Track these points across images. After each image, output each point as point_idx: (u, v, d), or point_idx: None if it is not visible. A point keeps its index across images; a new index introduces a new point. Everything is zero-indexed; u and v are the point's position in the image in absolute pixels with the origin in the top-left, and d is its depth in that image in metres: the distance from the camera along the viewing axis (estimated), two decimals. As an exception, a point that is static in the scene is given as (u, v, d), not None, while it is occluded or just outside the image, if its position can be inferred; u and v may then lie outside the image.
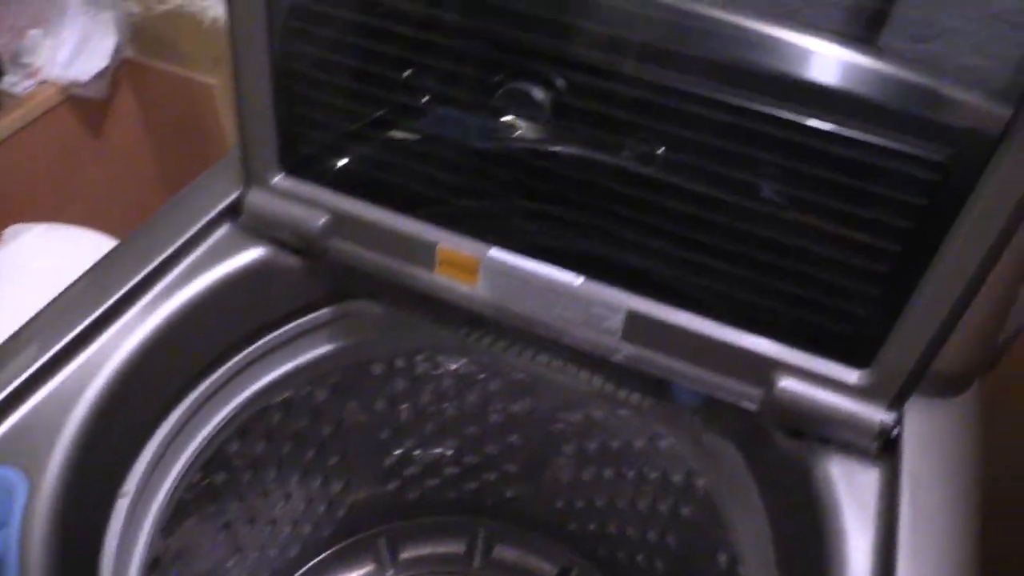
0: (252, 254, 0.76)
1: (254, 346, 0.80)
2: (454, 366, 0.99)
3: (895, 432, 0.60)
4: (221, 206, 0.77)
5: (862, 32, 0.78)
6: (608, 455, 0.99)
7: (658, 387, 0.73)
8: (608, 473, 1.00)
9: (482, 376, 0.99)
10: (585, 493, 1.05)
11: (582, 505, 1.07)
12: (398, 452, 1.09)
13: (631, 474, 0.97)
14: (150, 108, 1.48)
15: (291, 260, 0.77)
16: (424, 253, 0.71)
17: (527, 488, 1.11)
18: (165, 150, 1.55)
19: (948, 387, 0.62)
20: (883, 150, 0.54)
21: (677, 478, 0.91)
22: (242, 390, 0.82)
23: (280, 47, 0.70)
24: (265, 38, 0.68)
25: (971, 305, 0.54)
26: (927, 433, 0.60)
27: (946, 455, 0.60)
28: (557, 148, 0.65)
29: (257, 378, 0.83)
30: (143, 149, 1.54)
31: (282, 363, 0.84)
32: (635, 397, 0.73)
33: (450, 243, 0.70)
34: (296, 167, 0.75)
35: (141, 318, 0.71)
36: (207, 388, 0.78)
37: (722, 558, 0.84)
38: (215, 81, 1.37)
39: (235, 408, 0.82)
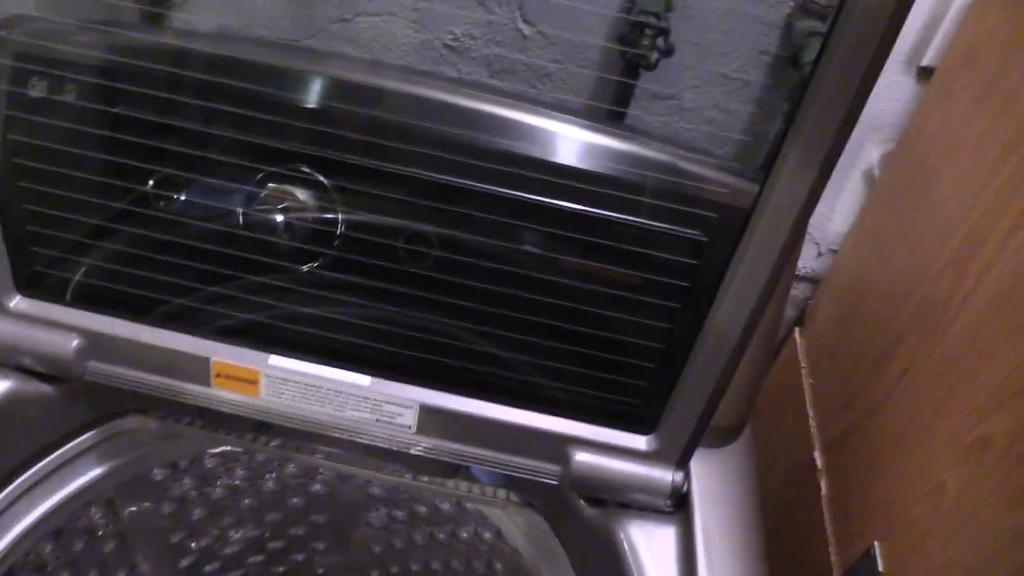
0: (-7, 389, 0.67)
1: (10, 488, 0.71)
2: (246, 456, 0.93)
3: (684, 488, 0.63)
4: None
5: (612, 102, 0.81)
6: (417, 520, 0.98)
7: (458, 467, 0.73)
8: (419, 538, 0.99)
9: (276, 463, 0.94)
10: (399, 559, 1.03)
11: (397, 571, 1.05)
12: (194, 552, 1.02)
13: (442, 535, 0.97)
14: None
15: (43, 388, 0.69)
16: (197, 368, 0.66)
17: (339, 562, 1.08)
18: None
19: (725, 437, 0.66)
20: (647, 232, 0.57)
21: (488, 535, 0.91)
22: (3, 535, 0.73)
23: (1, 163, 0.62)
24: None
25: (739, 367, 0.58)
26: (712, 483, 0.64)
27: (731, 500, 0.65)
28: (329, 248, 0.63)
29: (18, 519, 0.74)
30: None
31: (46, 497, 0.75)
32: (436, 481, 0.72)
33: (225, 355, 0.65)
34: (36, 287, 0.67)
35: None
36: (-41, 544, 0.68)
37: (541, 609, 0.86)
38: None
39: (-4, 557, 0.73)
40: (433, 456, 0.66)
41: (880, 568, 0.61)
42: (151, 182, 0.64)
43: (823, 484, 0.73)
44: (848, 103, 0.48)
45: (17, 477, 0.72)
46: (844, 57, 0.46)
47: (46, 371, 0.68)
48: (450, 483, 0.72)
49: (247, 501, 0.98)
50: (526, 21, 0.89)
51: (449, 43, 0.94)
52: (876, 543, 0.63)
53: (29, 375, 0.68)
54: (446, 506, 0.93)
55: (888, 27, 0.45)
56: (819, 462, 0.75)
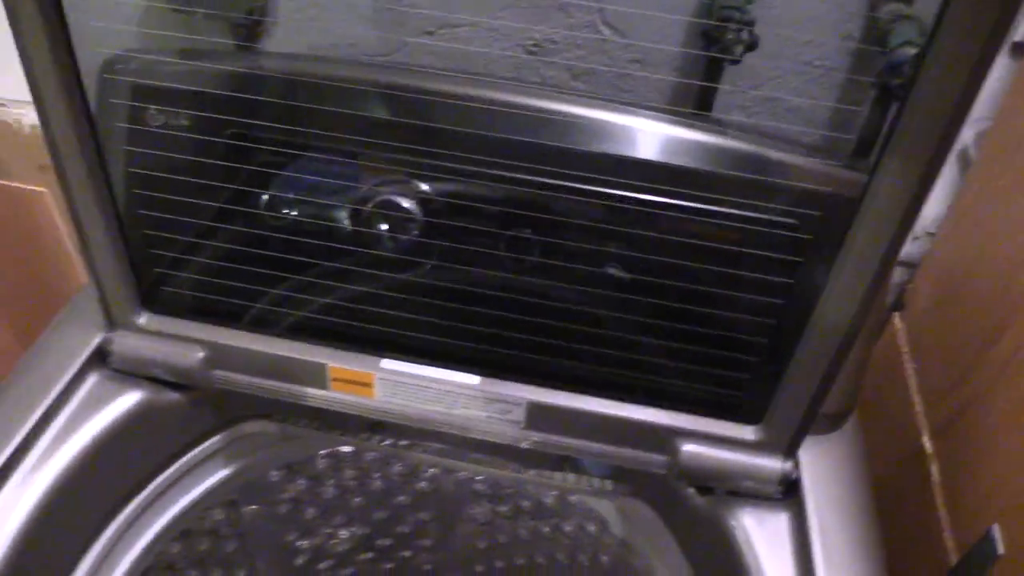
0: (129, 400, 0.72)
1: (146, 492, 0.76)
2: (354, 456, 0.97)
3: (795, 475, 0.64)
4: (86, 353, 0.73)
5: (697, 97, 0.82)
6: (521, 514, 1.00)
7: (564, 458, 0.75)
8: (523, 532, 1.01)
9: (385, 460, 0.98)
10: (503, 554, 1.06)
11: (502, 566, 1.07)
12: (307, 550, 1.06)
13: (546, 529, 0.99)
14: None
15: (172, 396, 0.74)
16: (315, 374, 0.70)
17: (444, 558, 1.11)
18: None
19: (833, 423, 0.66)
20: (753, 226, 0.58)
21: (592, 528, 0.93)
22: (140, 537, 0.79)
23: (124, 192, 0.67)
24: (105, 192, 0.65)
25: (848, 356, 0.58)
26: (822, 469, 0.65)
27: (842, 485, 0.65)
28: (433, 254, 0.66)
29: (154, 521, 0.79)
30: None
31: (178, 500, 0.80)
32: (544, 474, 0.74)
33: (340, 361, 0.69)
34: (160, 304, 0.72)
35: (19, 492, 0.66)
36: (104, 546, 0.73)
37: (648, 599, 0.87)
38: (45, 188, 1.29)
39: (136, 558, 0.78)
40: (542, 449, 0.68)
41: (1000, 551, 0.61)
42: (264, 197, 0.67)
43: (934, 469, 0.73)
44: (962, 88, 0.45)
45: (152, 481, 0.77)
46: (957, 39, 0.44)
47: (175, 380, 0.73)
48: (557, 475, 0.74)
49: (356, 500, 1.02)
50: (606, 23, 0.91)
51: (531, 49, 0.96)
52: (995, 525, 0.62)
53: (161, 384, 0.73)
54: (549, 499, 0.95)
55: (1005, 3, 0.42)
56: (928, 447, 0.74)
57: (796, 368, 0.59)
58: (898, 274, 0.95)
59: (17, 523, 0.65)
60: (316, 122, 0.65)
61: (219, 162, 0.68)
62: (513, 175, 0.61)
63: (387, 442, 0.77)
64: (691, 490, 0.67)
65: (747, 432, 0.63)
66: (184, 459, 0.78)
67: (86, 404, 0.71)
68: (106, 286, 0.70)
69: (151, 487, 0.77)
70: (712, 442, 0.64)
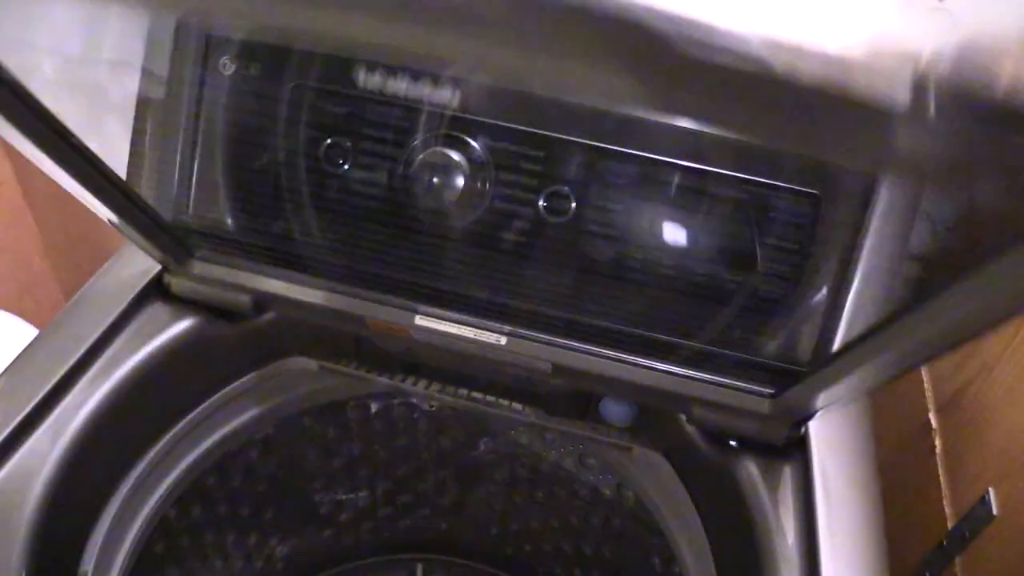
0: (182, 326, 0.76)
1: (190, 416, 0.81)
2: (383, 410, 1.01)
3: (803, 431, 0.67)
4: (145, 281, 0.77)
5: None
6: (538, 477, 1.04)
7: (586, 409, 0.79)
8: (539, 494, 1.05)
9: (411, 416, 1.02)
10: (518, 516, 1.10)
11: (516, 528, 1.11)
12: (332, 500, 1.10)
13: (562, 493, 1.03)
14: (28, 176, 1.45)
15: (224, 328, 0.78)
16: (354, 321, 0.73)
17: (461, 519, 1.15)
18: (48, 215, 1.51)
19: (844, 386, 0.70)
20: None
21: (607, 492, 0.97)
22: (181, 460, 0.83)
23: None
24: (103, 182, 0.67)
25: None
26: (829, 427, 0.68)
27: (847, 443, 0.68)
28: (475, 211, 0.68)
29: (195, 446, 0.84)
30: (24, 216, 1.50)
31: (219, 427, 0.85)
32: (565, 423, 0.78)
33: (377, 313, 0.71)
34: (210, 251, 0.75)
35: (80, 399, 0.71)
36: (149, 462, 0.78)
37: (656, 561, 0.91)
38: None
39: (175, 480, 0.83)
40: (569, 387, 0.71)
41: (995, 512, 0.64)
42: (327, 141, 0.70)
43: (937, 442, 0.76)
44: None
45: (195, 408, 0.81)
46: None
47: (226, 312, 0.77)
48: (577, 424, 0.78)
49: (382, 454, 1.07)
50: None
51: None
52: (990, 489, 0.65)
53: (215, 313, 0.77)
54: (568, 462, 0.98)
55: None
56: (934, 422, 0.77)
57: (835, 367, 0.58)
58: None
59: (70, 435, 0.70)
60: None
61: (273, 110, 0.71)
62: (551, 133, 0.65)
63: (420, 383, 0.81)
64: (702, 440, 0.71)
65: (762, 406, 0.65)
66: (228, 388, 0.83)
67: (144, 326, 0.76)
68: (147, 248, 0.73)
69: (194, 413, 0.81)
70: (725, 411, 0.66)
